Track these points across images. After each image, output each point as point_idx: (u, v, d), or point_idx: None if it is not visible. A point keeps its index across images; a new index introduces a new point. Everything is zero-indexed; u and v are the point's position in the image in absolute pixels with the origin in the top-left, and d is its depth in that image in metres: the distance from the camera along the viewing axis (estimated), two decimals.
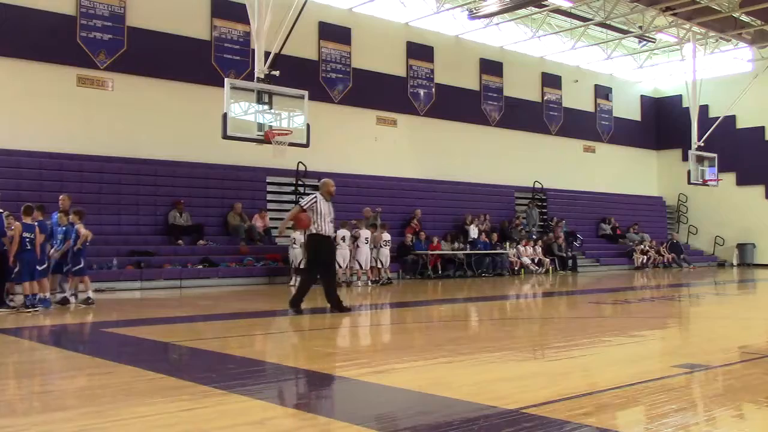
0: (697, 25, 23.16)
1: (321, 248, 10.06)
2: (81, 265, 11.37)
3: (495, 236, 21.97)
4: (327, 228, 9.96)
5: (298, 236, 17.22)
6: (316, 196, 10.02)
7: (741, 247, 28.51)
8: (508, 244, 22.41)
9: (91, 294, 11.42)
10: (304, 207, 9.93)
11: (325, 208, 9.97)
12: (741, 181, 28.61)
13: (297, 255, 17.13)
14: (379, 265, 17.48)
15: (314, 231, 9.91)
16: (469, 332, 8.81)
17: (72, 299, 11.41)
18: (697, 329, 9.02)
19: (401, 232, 20.52)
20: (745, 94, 26.00)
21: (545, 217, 26.02)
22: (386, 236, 17.67)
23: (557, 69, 27.65)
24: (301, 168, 19.73)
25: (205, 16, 19.06)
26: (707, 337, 8.28)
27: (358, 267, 16.96)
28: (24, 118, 16.39)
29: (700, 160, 24.44)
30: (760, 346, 7.43)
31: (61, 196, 12.50)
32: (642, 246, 26.46)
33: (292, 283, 17.03)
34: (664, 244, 27.55)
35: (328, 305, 10.15)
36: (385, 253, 17.58)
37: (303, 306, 10.05)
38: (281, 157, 14.81)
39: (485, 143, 24.90)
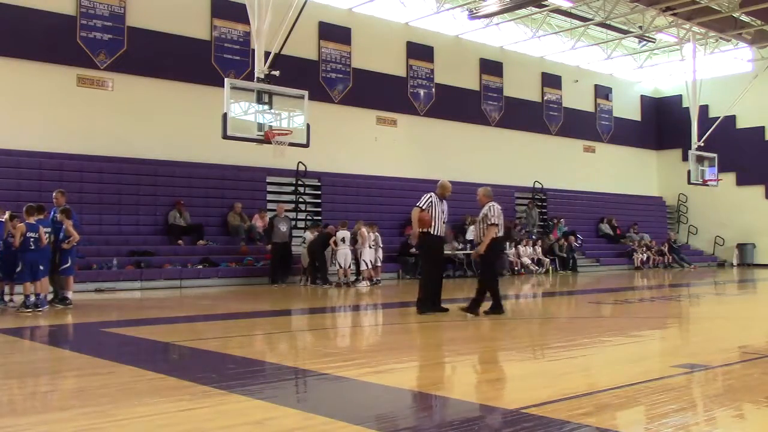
0: (697, 25, 23.16)
1: (434, 247, 9.99)
2: (68, 265, 11.25)
3: None
4: (439, 228, 9.90)
5: (308, 236, 17.21)
6: (431, 196, 9.91)
7: (741, 247, 28.49)
8: (508, 244, 22.40)
9: (69, 294, 11.28)
10: (423, 207, 9.82)
11: (439, 208, 9.92)
12: (741, 181, 28.59)
13: (305, 255, 17.11)
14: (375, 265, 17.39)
15: (427, 230, 9.81)
16: (469, 332, 8.80)
17: (49, 296, 11.25)
18: (697, 329, 9.02)
19: (401, 232, 20.50)
20: (745, 94, 25.99)
21: (545, 217, 26.02)
22: (373, 236, 17.27)
23: (557, 69, 27.64)
24: (301, 168, 19.75)
25: (205, 16, 19.06)
26: (707, 337, 8.28)
27: (355, 267, 16.94)
28: (24, 118, 16.39)
29: (700, 160, 24.43)
30: (760, 346, 7.42)
31: (54, 193, 12.13)
32: (643, 245, 26.47)
33: (302, 283, 17.01)
34: (665, 244, 27.54)
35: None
36: (371, 253, 17.34)
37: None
38: (281, 157, 14.81)
39: (485, 143, 24.89)
